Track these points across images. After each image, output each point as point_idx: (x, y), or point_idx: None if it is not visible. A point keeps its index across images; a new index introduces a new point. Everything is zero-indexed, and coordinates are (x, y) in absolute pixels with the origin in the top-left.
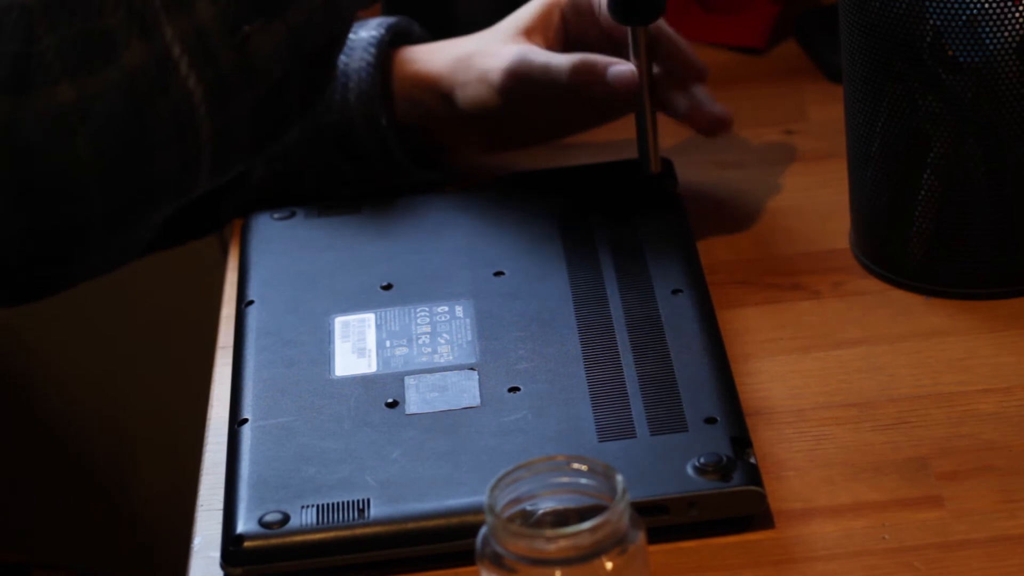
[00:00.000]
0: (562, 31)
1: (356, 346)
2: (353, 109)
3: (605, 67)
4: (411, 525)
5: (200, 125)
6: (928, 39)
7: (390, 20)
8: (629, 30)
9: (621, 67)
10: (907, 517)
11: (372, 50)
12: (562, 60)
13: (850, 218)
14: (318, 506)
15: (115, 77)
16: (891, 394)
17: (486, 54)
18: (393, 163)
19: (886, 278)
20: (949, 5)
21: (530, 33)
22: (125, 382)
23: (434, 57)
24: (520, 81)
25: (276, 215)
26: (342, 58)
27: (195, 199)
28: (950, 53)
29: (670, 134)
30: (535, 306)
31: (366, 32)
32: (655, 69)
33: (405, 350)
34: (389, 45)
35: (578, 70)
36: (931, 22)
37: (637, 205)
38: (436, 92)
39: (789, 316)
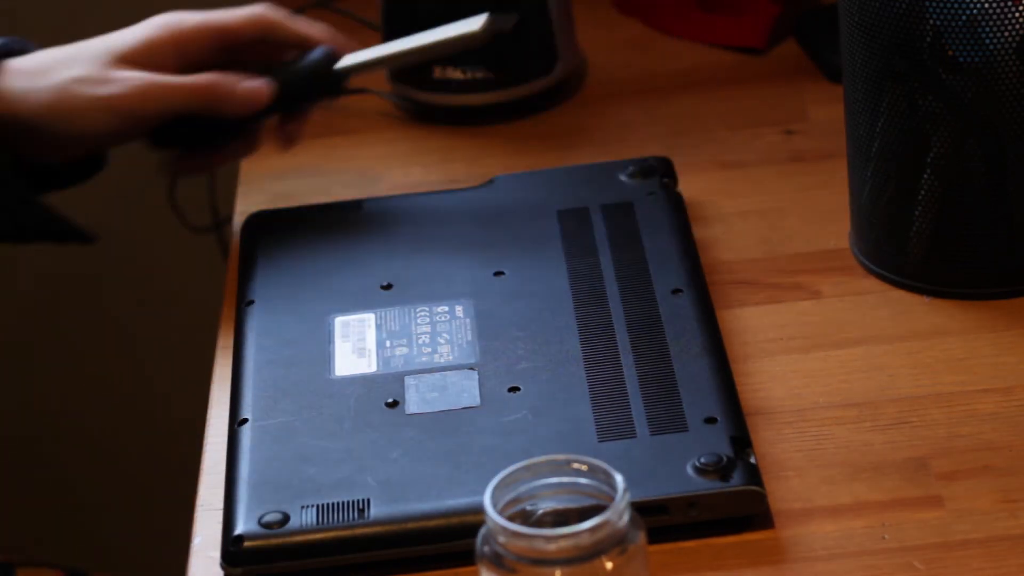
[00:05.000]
0: (176, 61)
1: (356, 346)
2: None
3: (238, 81)
4: (411, 525)
5: None
6: (928, 39)
7: None
8: None
9: (252, 82)
10: (907, 517)
11: None
12: (195, 80)
13: (850, 218)
14: (318, 506)
15: None
16: (891, 394)
17: (94, 82)
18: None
19: (886, 278)
20: (949, 5)
21: (130, 62)
22: (125, 382)
23: (18, 99)
24: (149, 99)
25: (276, 215)
26: None
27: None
28: (950, 53)
29: (670, 133)
30: (535, 306)
31: None
32: None
33: (405, 350)
34: None
35: (210, 88)
36: (931, 22)
37: (637, 205)
38: (36, 136)
39: (789, 316)
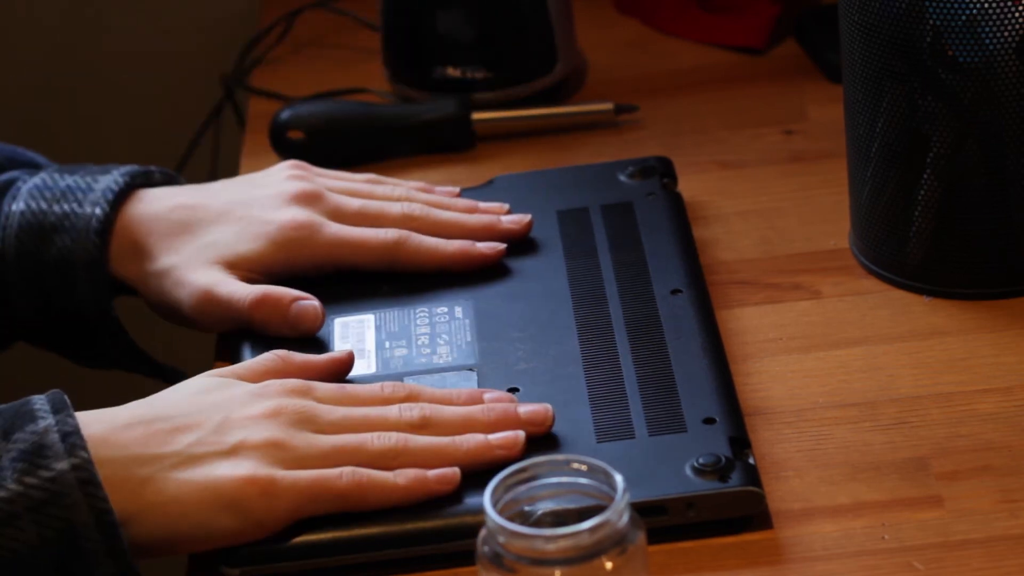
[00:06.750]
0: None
1: (356, 347)
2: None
3: (290, 302)
4: (411, 525)
5: None
6: (928, 39)
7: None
8: None
9: (305, 303)
10: (907, 517)
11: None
12: (244, 293)
13: (850, 218)
14: None
15: None
16: (891, 394)
17: (177, 281)
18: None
19: (886, 278)
20: (949, 5)
21: (234, 268)
22: (124, 382)
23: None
24: (207, 313)
25: None
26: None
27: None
28: (950, 53)
29: (670, 133)
30: (535, 306)
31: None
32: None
33: (404, 351)
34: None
35: (260, 303)
36: (931, 22)
37: (637, 205)
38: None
39: (789, 316)
